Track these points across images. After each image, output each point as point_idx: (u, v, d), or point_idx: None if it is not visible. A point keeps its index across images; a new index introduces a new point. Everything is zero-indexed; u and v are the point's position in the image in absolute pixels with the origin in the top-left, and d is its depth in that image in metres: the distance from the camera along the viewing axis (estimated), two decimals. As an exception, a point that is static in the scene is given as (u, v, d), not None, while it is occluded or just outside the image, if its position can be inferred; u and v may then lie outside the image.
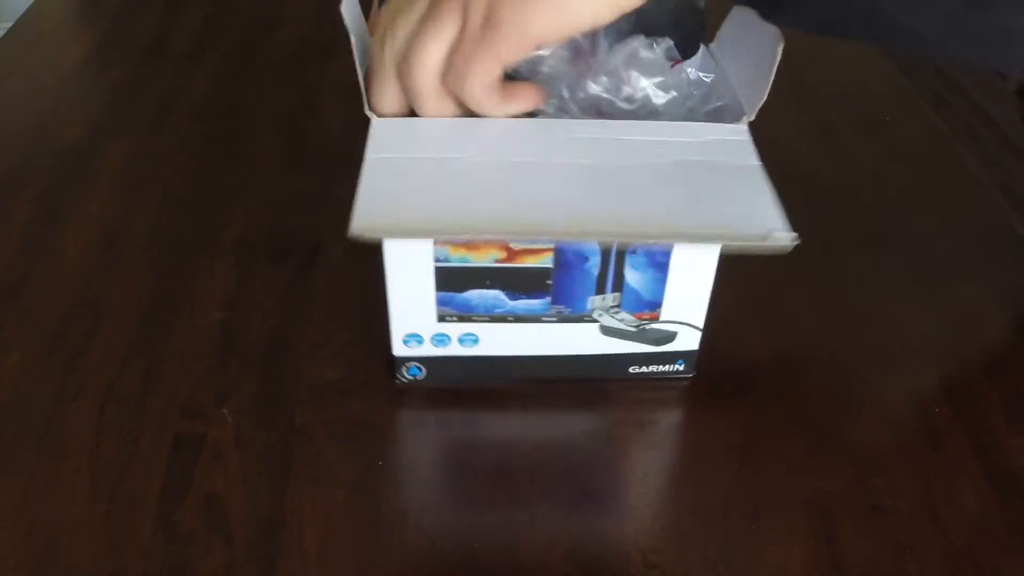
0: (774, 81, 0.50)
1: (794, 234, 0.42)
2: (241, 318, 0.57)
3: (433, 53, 0.41)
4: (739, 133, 0.46)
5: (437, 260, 0.46)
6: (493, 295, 0.48)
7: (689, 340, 0.52)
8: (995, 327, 0.59)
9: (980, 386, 0.55)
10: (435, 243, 0.45)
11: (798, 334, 0.58)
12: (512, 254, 0.46)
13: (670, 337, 0.52)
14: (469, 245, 0.45)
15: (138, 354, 0.54)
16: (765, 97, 0.45)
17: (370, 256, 0.62)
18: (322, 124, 0.76)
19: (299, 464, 0.48)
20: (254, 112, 0.77)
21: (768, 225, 0.42)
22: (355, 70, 0.48)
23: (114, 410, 0.51)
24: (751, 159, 0.45)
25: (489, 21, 0.38)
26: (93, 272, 0.60)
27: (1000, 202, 0.69)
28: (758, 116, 0.48)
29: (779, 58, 0.45)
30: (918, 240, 0.65)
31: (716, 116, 0.50)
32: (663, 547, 0.45)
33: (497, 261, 0.47)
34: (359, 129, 0.75)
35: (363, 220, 0.39)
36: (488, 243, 0.45)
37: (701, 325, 0.51)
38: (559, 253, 0.46)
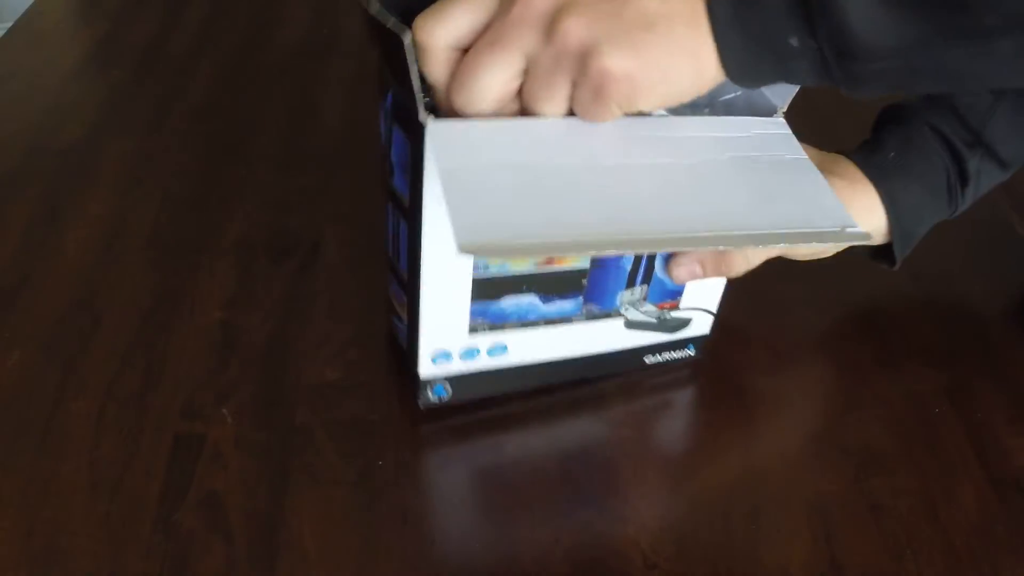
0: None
1: (866, 230, 0.43)
2: (241, 318, 0.57)
3: (499, 87, 0.41)
4: (779, 126, 0.46)
5: (475, 269, 0.45)
6: (528, 300, 0.48)
7: (702, 325, 0.54)
8: (995, 327, 0.59)
9: (980, 386, 0.55)
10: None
11: (798, 334, 0.58)
12: (551, 257, 0.46)
13: (685, 323, 0.53)
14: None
15: (138, 354, 0.54)
16: (796, 91, 0.46)
17: (370, 256, 0.62)
18: (322, 124, 0.76)
19: (299, 464, 0.48)
20: (254, 112, 0.77)
21: (838, 219, 0.43)
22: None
23: (114, 410, 0.51)
24: (799, 152, 0.46)
25: (600, 96, 0.40)
26: (93, 272, 0.60)
27: (1000, 202, 0.69)
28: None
29: None
30: (918, 240, 0.65)
31: (729, 107, 0.50)
32: (663, 547, 0.45)
33: (537, 266, 0.46)
34: (359, 129, 0.75)
35: (468, 237, 0.36)
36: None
37: (715, 309, 0.53)
38: None
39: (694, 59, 0.39)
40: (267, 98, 0.79)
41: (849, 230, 0.42)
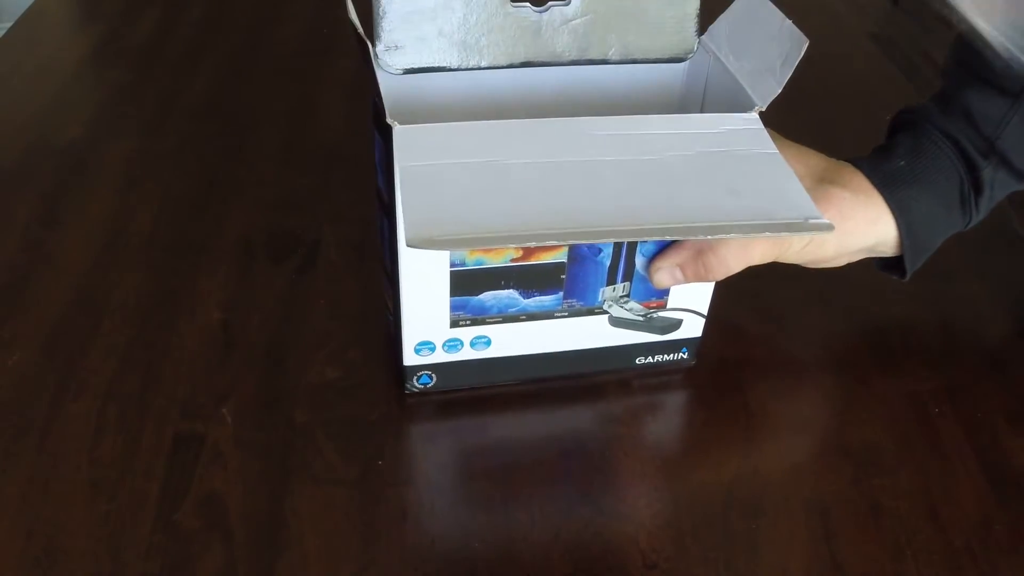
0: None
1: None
2: (241, 318, 0.57)
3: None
4: (751, 122, 0.46)
5: (453, 264, 0.46)
6: (507, 295, 0.48)
7: (693, 327, 0.53)
8: (995, 327, 0.59)
9: (980, 386, 0.55)
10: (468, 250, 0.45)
11: (798, 334, 0.58)
12: (528, 252, 0.46)
13: (676, 325, 0.52)
14: (490, 250, 0.45)
15: (138, 354, 0.54)
16: (779, 91, 0.46)
17: (370, 256, 0.62)
18: (322, 124, 0.76)
19: (299, 464, 0.48)
20: (254, 112, 0.77)
21: (802, 211, 0.43)
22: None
23: (114, 410, 0.51)
24: (768, 147, 0.45)
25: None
26: (93, 272, 0.60)
27: (1000, 202, 0.69)
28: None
29: (800, 56, 0.45)
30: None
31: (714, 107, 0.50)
32: (663, 547, 0.45)
33: (513, 260, 0.47)
34: (359, 129, 0.75)
35: (415, 231, 0.38)
36: (545, 248, 0.45)
37: (705, 311, 0.52)
38: (573, 248, 0.47)
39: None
40: (267, 98, 0.79)
41: (812, 221, 0.42)
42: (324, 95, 0.79)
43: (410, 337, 0.49)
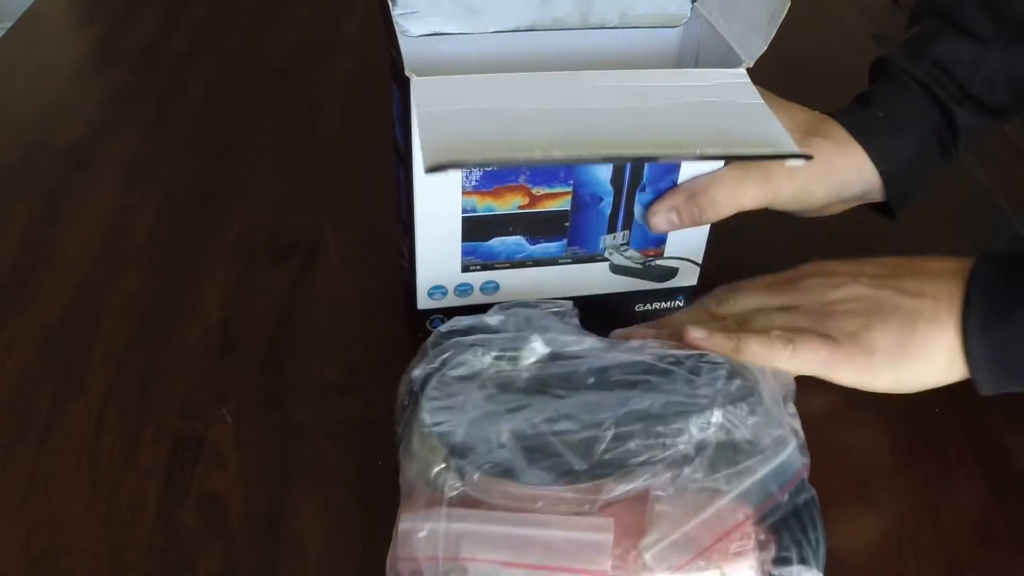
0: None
1: (808, 152, 0.45)
2: (241, 318, 0.57)
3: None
4: (739, 76, 0.49)
5: (464, 211, 0.49)
6: (515, 241, 0.51)
7: (689, 276, 0.55)
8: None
9: (980, 386, 0.55)
10: (463, 193, 0.48)
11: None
12: (534, 200, 0.49)
13: (672, 273, 0.55)
14: (495, 192, 0.48)
15: (138, 354, 0.54)
16: (765, 47, 0.48)
17: (370, 256, 0.62)
18: (322, 124, 0.76)
19: (299, 464, 0.48)
20: (254, 112, 0.77)
21: (783, 145, 0.45)
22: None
23: (114, 410, 0.51)
24: (755, 98, 0.48)
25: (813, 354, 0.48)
26: (93, 272, 0.60)
27: (1000, 202, 0.69)
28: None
29: (784, 14, 0.47)
30: (918, 239, 0.64)
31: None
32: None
33: (520, 207, 0.49)
34: (359, 129, 0.75)
35: (433, 158, 0.40)
36: (514, 190, 0.48)
37: (700, 260, 0.55)
38: (576, 196, 0.50)
39: (934, 362, 0.47)
40: (267, 98, 0.79)
41: (787, 146, 0.45)
42: (324, 95, 0.79)
43: (424, 281, 0.52)
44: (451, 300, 0.53)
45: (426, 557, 0.37)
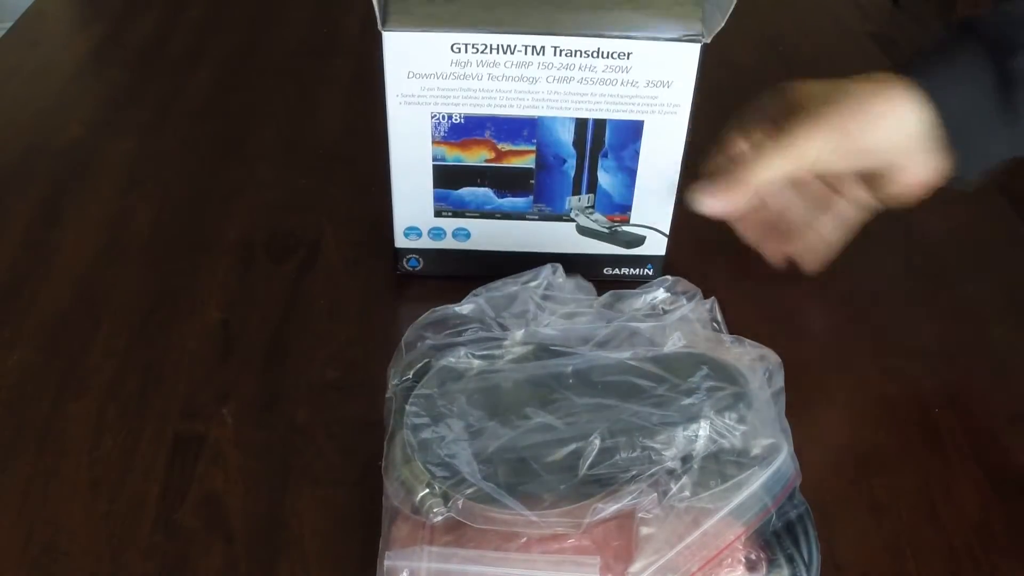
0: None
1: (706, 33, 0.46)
2: (241, 318, 0.57)
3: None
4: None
5: (435, 159, 0.53)
6: (483, 192, 0.55)
7: (657, 246, 0.58)
8: (995, 327, 0.59)
9: (980, 386, 0.55)
10: (433, 142, 0.53)
11: (799, 334, 0.58)
12: (500, 155, 0.54)
13: (639, 240, 0.58)
14: (463, 144, 0.53)
15: (138, 354, 0.54)
16: (723, 24, 0.48)
17: (370, 256, 0.62)
18: (322, 124, 0.76)
19: (299, 464, 0.48)
20: (254, 112, 0.77)
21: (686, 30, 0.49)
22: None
23: (114, 410, 0.51)
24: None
25: None
26: (93, 272, 0.60)
27: (1000, 202, 0.69)
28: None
29: None
30: (918, 240, 0.65)
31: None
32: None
33: (487, 161, 0.54)
34: (359, 129, 0.75)
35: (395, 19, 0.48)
36: (480, 144, 0.53)
37: (667, 231, 0.57)
38: (540, 155, 0.54)
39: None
40: (267, 98, 0.79)
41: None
42: (324, 95, 0.79)
43: (400, 221, 0.56)
44: (426, 242, 0.57)
45: None
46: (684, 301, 0.46)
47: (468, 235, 0.57)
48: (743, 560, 0.37)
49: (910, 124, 0.49)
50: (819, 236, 0.57)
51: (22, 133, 0.74)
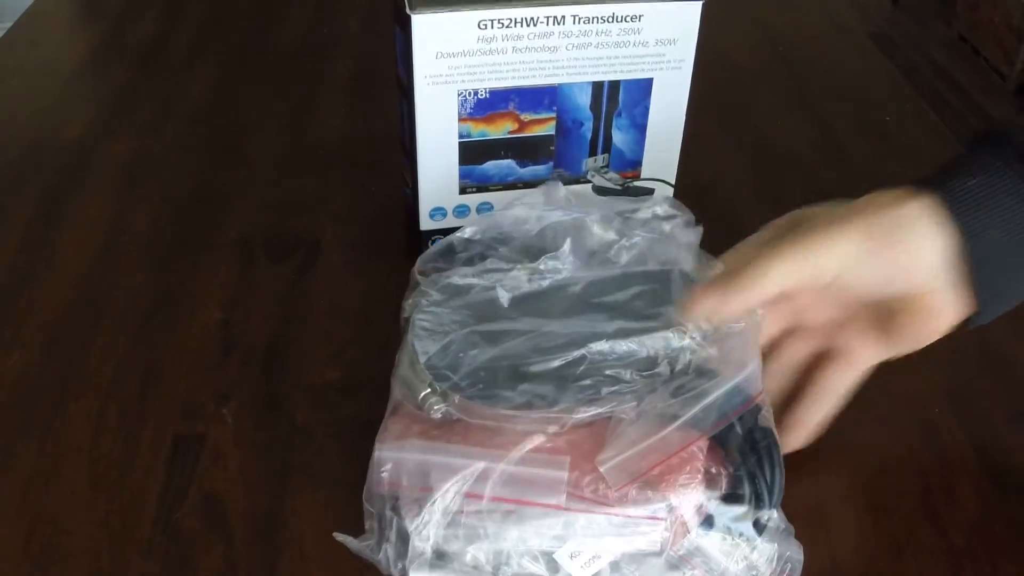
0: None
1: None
2: (241, 318, 0.57)
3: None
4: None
5: (460, 136, 0.55)
6: (506, 164, 0.57)
7: (665, 194, 0.60)
8: (995, 327, 0.59)
9: (980, 386, 0.55)
10: (459, 120, 0.54)
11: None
12: (522, 125, 0.56)
13: (649, 193, 0.60)
14: (488, 119, 0.55)
15: (138, 354, 0.54)
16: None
17: (370, 256, 0.62)
18: (322, 124, 0.76)
19: (299, 464, 0.48)
20: (254, 112, 0.77)
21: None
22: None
23: (114, 410, 0.51)
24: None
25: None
26: (93, 272, 0.60)
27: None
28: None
29: None
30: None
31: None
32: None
33: (510, 132, 0.56)
34: (359, 129, 0.75)
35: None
36: (505, 116, 0.55)
37: (673, 181, 0.60)
38: (559, 121, 0.56)
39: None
40: (267, 98, 0.79)
41: None
42: (324, 95, 0.79)
43: (426, 203, 0.57)
44: (450, 221, 0.58)
45: (397, 485, 0.41)
46: (682, 222, 0.49)
47: (491, 208, 0.58)
48: (702, 470, 0.39)
49: (938, 248, 0.42)
50: (799, 420, 0.48)
51: (22, 133, 0.74)
